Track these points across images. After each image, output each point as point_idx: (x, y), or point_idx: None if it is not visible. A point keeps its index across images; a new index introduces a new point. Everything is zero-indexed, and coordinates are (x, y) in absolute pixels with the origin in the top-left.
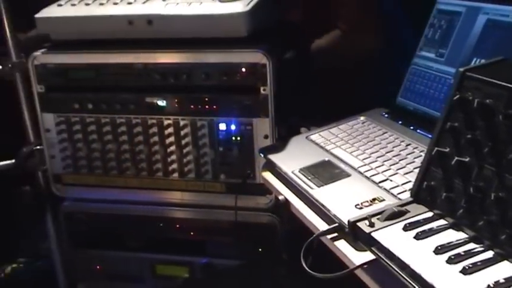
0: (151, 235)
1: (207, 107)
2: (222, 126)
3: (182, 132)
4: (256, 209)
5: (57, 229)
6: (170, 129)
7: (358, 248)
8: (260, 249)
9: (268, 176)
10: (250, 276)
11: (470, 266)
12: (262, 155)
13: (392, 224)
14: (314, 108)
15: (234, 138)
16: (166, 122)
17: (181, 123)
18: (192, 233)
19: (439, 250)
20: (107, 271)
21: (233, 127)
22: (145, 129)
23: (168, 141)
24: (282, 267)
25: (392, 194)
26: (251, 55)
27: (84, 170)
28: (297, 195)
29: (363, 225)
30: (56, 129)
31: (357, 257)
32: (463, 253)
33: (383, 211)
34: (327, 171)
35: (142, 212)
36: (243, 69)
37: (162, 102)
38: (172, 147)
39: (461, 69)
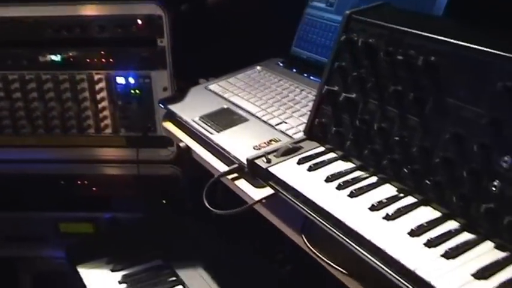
0: (52, 193)
1: (103, 60)
2: (120, 80)
3: (79, 87)
4: (159, 161)
5: None
6: (66, 85)
7: (257, 185)
8: (164, 201)
9: (169, 126)
10: (156, 227)
11: (357, 189)
12: (162, 106)
13: (287, 159)
14: (212, 60)
15: (132, 91)
16: (61, 77)
17: (77, 77)
18: (94, 189)
19: (329, 179)
20: (7, 232)
21: (131, 80)
22: (39, 86)
23: (64, 96)
24: (187, 217)
25: (287, 135)
26: (146, 7)
27: None
28: (197, 142)
29: (261, 162)
30: None
31: (256, 193)
32: (350, 180)
33: (279, 148)
34: (225, 118)
35: (42, 171)
36: (139, 21)
37: (56, 57)
38: (69, 103)
39: (347, 12)
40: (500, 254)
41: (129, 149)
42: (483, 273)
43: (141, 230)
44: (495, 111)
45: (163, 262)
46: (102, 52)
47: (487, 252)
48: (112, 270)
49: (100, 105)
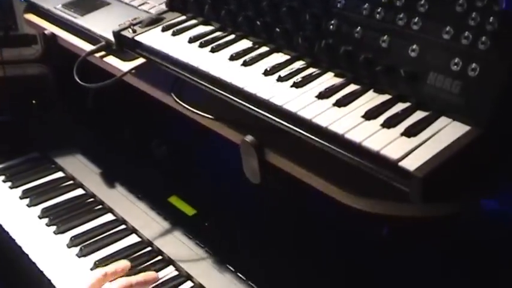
0: None
1: None
2: None
3: None
4: (25, 60)
5: None
6: None
7: (125, 59)
8: (34, 101)
9: (31, 17)
10: (27, 125)
11: (217, 46)
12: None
13: (152, 29)
14: None
15: None
16: None
17: None
18: None
19: (192, 40)
20: None
21: None
22: None
23: None
24: (58, 113)
25: (151, 13)
26: None
27: None
28: (62, 28)
29: (127, 33)
30: None
31: (125, 66)
32: (211, 39)
33: (143, 20)
34: (88, 3)
35: None
36: None
37: None
38: None
39: None
40: (337, 80)
41: None
42: (325, 94)
43: (12, 129)
44: None
45: (40, 154)
46: None
47: (329, 79)
48: None
49: None
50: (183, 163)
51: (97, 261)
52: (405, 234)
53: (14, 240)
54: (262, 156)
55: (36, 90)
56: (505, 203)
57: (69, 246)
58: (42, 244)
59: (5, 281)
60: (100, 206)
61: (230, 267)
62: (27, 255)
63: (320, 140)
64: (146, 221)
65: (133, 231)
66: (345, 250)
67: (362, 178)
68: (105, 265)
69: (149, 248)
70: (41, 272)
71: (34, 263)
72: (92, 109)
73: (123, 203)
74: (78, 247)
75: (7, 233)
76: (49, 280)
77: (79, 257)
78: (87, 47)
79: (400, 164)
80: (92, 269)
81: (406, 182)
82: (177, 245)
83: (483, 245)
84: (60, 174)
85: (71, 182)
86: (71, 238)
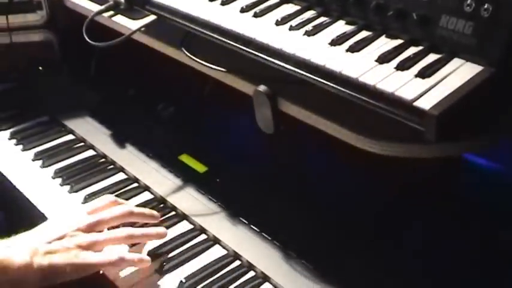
0: None
1: None
2: None
3: None
4: (31, 26)
5: None
6: None
7: (134, 18)
8: (40, 68)
9: None
10: (37, 90)
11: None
12: None
13: None
14: None
15: None
16: None
17: None
18: None
19: None
20: None
21: None
22: None
23: None
24: (66, 77)
25: None
26: None
27: None
28: None
29: None
30: None
31: (134, 24)
32: None
33: None
34: None
35: None
36: None
37: None
38: None
39: None
40: (349, 28)
41: None
42: (338, 41)
43: (20, 95)
44: None
45: (49, 118)
46: None
47: (340, 27)
48: None
49: None
50: (192, 122)
51: None
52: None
53: (28, 199)
54: (276, 106)
55: (42, 56)
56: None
57: (84, 204)
58: (57, 203)
59: None
60: (111, 166)
61: (243, 220)
62: (43, 214)
63: (334, 85)
64: (158, 179)
65: (146, 188)
66: (352, 203)
67: (376, 122)
68: None
69: (162, 205)
70: None
71: None
72: (98, 72)
73: (134, 162)
74: None
75: (21, 193)
76: None
77: None
78: (95, 7)
79: (415, 103)
80: None
81: (421, 121)
82: (190, 201)
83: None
84: (70, 136)
85: (82, 143)
86: (85, 196)
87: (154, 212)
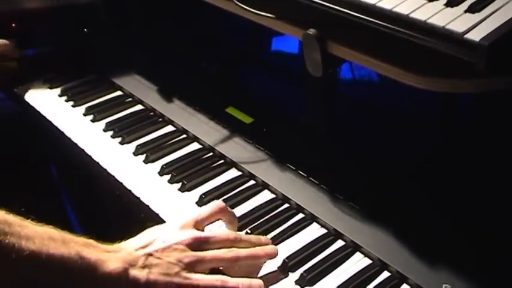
0: None
1: None
2: None
3: None
4: None
5: None
6: None
7: None
8: (85, 30)
9: None
10: (80, 54)
11: None
12: None
13: None
14: None
15: None
16: None
17: None
18: (14, 25)
19: None
20: None
21: None
22: None
23: None
24: (110, 39)
25: None
26: None
27: None
28: None
29: None
30: None
31: None
32: None
33: None
34: None
35: None
36: None
37: None
38: None
39: None
40: None
41: None
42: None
43: (66, 56)
44: None
45: (97, 76)
46: None
47: None
48: (50, 88)
49: None
50: (237, 75)
51: (164, 165)
52: None
53: (83, 150)
54: (325, 48)
55: (88, 17)
56: None
57: (135, 154)
58: (110, 153)
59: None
60: (160, 119)
61: (290, 166)
62: (97, 163)
63: (384, 23)
64: (206, 130)
65: (195, 139)
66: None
67: (425, 59)
68: (171, 169)
69: (211, 153)
70: (112, 175)
71: (105, 169)
72: (143, 31)
73: (182, 115)
74: (144, 155)
75: (75, 144)
76: (120, 182)
77: (146, 163)
78: None
79: (466, 36)
80: (159, 174)
81: (472, 54)
82: (238, 150)
83: None
84: (118, 92)
85: (130, 99)
86: (136, 147)
87: (263, 237)
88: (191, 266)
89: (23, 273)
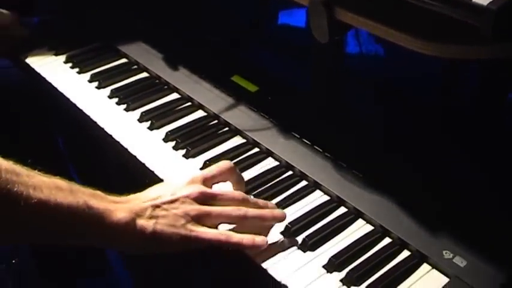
0: None
1: None
2: None
3: None
4: None
5: None
6: None
7: None
8: None
9: None
10: (82, 23)
11: None
12: None
13: None
14: None
15: None
16: None
17: None
18: None
19: None
20: None
21: None
22: None
23: None
24: (114, 9)
25: None
26: None
27: None
28: None
29: None
30: None
31: None
32: None
33: None
34: None
35: None
36: None
37: None
38: None
39: None
40: None
41: None
42: None
43: (71, 23)
44: None
45: (102, 43)
46: None
47: None
48: (55, 55)
49: None
50: (243, 46)
51: (168, 131)
52: None
53: (88, 116)
54: (332, 14)
55: None
56: None
57: (140, 121)
58: (115, 120)
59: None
60: (165, 87)
61: (294, 134)
62: (102, 128)
63: None
64: (211, 98)
65: (200, 107)
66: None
67: (431, 25)
68: (175, 135)
69: (216, 121)
70: (117, 142)
71: (110, 135)
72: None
73: (187, 83)
74: (149, 121)
75: (81, 110)
76: (125, 148)
77: (151, 130)
78: None
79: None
80: (164, 140)
81: (479, 19)
82: (243, 117)
83: None
84: (124, 60)
85: (136, 66)
86: (141, 113)
87: (269, 202)
88: (198, 219)
89: (31, 222)
